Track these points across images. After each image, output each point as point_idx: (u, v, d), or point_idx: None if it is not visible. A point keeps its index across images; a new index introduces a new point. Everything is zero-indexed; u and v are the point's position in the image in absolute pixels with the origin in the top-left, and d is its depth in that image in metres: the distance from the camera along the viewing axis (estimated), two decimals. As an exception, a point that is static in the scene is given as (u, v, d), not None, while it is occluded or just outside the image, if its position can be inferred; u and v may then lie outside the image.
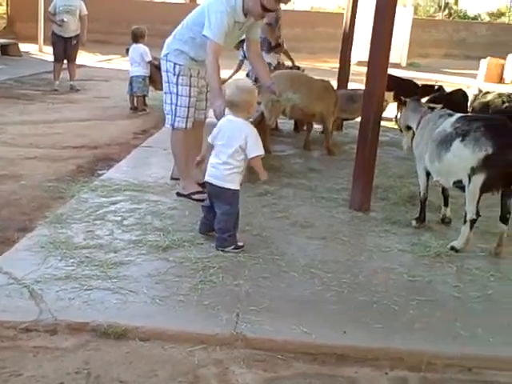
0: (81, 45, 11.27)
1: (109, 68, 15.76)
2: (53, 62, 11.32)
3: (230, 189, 4.08)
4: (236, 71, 8.37)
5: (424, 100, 8.53)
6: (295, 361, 2.94)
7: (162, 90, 5.26)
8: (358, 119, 5.83)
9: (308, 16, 26.32)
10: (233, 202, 4.12)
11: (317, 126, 7.78)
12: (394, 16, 4.88)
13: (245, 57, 7.72)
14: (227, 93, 4.16)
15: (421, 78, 13.52)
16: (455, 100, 8.16)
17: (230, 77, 8.10)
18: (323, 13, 29.75)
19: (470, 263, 4.17)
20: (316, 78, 7.37)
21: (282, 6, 5.96)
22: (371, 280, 3.80)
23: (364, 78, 5.12)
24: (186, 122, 4.98)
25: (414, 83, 9.81)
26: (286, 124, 8.60)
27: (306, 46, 21.88)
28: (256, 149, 4.05)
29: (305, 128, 7.88)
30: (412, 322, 3.31)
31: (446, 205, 4.93)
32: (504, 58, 17.78)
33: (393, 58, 15.56)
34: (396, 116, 9.57)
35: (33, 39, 18.61)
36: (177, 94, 4.93)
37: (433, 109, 4.88)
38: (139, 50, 9.37)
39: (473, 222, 4.23)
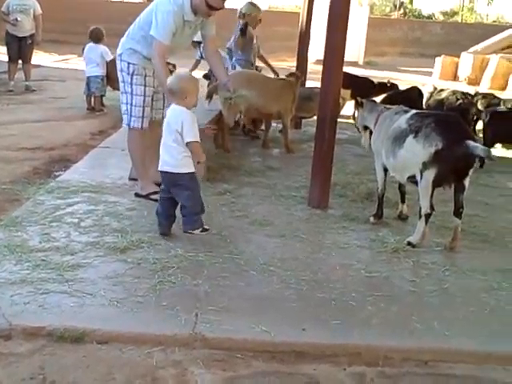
0: (36, 44, 11.08)
1: (65, 68, 15.51)
2: (7, 62, 11.09)
3: (185, 173, 4.14)
4: (192, 70, 8.33)
5: (381, 97, 8.73)
6: (254, 359, 2.94)
7: (119, 89, 5.22)
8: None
9: (266, 15, 26.17)
10: (192, 186, 4.17)
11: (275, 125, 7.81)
12: (348, 15, 4.92)
13: (201, 57, 7.71)
14: (167, 82, 4.23)
15: (378, 76, 13.67)
16: (411, 97, 8.30)
17: None
18: (281, 12, 29.83)
19: (426, 258, 4.24)
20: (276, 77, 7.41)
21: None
22: (330, 277, 3.83)
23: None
24: (142, 122, 4.95)
25: (371, 81, 9.95)
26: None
27: (264, 45, 21.82)
28: (191, 135, 4.11)
29: (259, 130, 7.89)
30: (369, 318, 3.35)
31: (402, 201, 5.00)
32: (458, 56, 18.11)
33: (350, 57, 15.65)
34: (354, 114, 9.68)
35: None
36: (131, 94, 4.90)
37: (389, 109, 4.95)
38: (98, 49, 9.26)
39: (427, 216, 4.30)
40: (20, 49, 10.84)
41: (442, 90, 8.85)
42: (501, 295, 3.74)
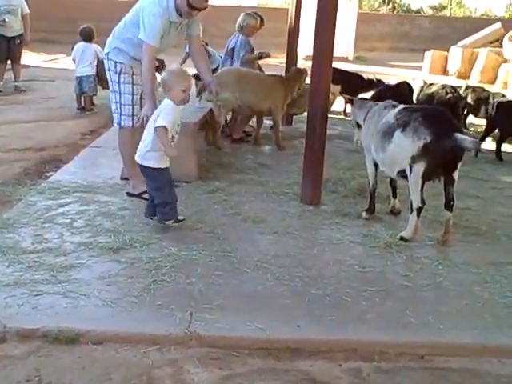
0: (24, 45, 11.01)
1: (55, 68, 15.42)
2: (-4, 63, 11.03)
3: (148, 167, 4.29)
4: (182, 62, 8.31)
5: (371, 93, 8.76)
6: (250, 357, 2.95)
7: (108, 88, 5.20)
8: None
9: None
10: (155, 178, 4.30)
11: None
12: (336, 10, 4.92)
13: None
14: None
15: (368, 71, 13.67)
16: (401, 92, 8.32)
17: None
18: (270, 8, 29.75)
19: (419, 252, 4.25)
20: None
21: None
22: (323, 273, 3.83)
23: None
24: (132, 120, 4.94)
25: (360, 76, 9.97)
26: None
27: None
28: (161, 120, 4.16)
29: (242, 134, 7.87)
30: (364, 313, 3.36)
31: (394, 196, 5.01)
32: (447, 50, 18.14)
33: (340, 52, 15.62)
34: (344, 109, 9.70)
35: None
36: (120, 93, 4.91)
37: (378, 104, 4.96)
38: (91, 48, 9.19)
39: (419, 210, 4.32)
40: (9, 49, 10.75)
41: (431, 85, 8.88)
42: (494, 288, 3.75)
